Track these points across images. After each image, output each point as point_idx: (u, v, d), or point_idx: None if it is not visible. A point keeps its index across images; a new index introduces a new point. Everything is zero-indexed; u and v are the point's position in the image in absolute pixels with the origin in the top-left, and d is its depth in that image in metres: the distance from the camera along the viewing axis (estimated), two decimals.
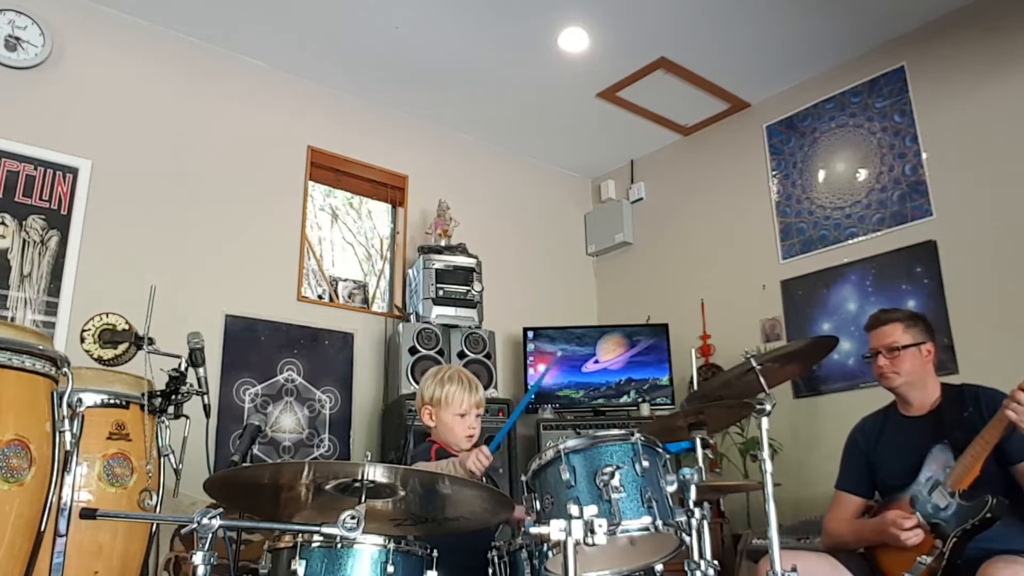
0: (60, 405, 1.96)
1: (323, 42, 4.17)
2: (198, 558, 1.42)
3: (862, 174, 4.20)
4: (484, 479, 2.24)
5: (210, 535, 1.42)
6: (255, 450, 3.76)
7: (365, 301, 4.63)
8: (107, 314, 2.46)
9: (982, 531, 2.13)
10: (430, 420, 2.36)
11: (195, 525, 1.41)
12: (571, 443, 1.76)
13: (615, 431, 1.80)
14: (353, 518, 1.43)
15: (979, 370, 3.44)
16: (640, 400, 4.49)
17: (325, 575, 1.63)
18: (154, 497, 2.24)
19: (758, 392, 2.22)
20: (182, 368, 2.37)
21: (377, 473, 1.58)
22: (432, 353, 4.11)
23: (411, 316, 4.33)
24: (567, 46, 4.22)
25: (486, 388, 4.11)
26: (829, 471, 2.63)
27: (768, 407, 2.14)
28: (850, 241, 4.18)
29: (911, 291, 3.88)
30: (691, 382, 4.44)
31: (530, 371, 4.62)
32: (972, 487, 2.17)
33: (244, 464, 1.95)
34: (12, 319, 3.31)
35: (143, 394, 2.30)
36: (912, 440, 2.38)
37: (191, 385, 2.35)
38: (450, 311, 4.26)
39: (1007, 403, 2.10)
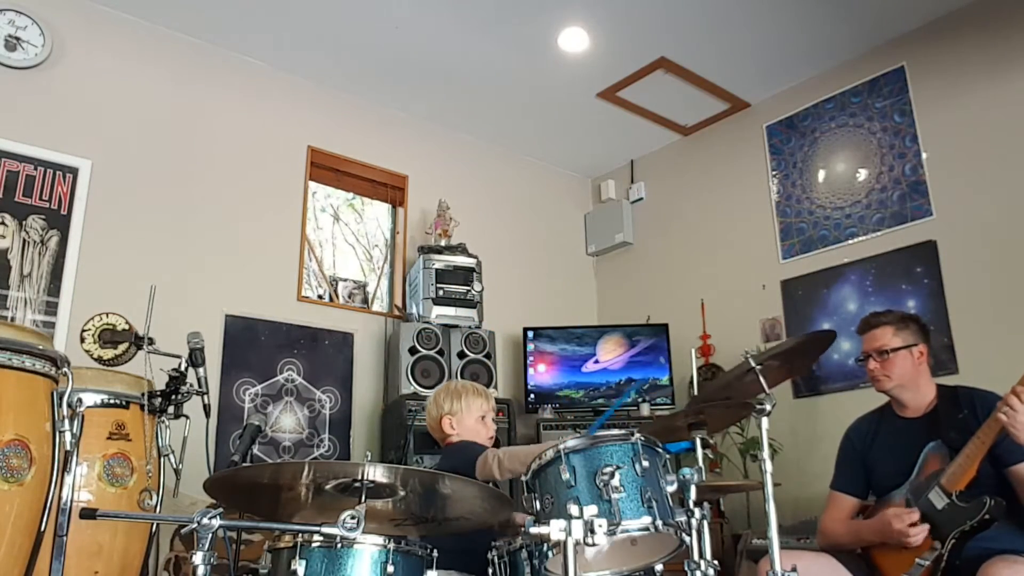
0: (60, 405, 1.95)
1: (323, 42, 4.17)
2: (198, 558, 1.42)
3: (862, 174, 4.21)
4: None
5: (210, 535, 1.42)
6: (255, 450, 3.76)
7: (365, 301, 4.63)
8: (107, 314, 2.45)
9: (980, 532, 2.13)
10: (451, 429, 2.49)
11: (195, 525, 1.41)
12: (571, 443, 1.76)
13: (615, 431, 1.80)
14: (353, 518, 1.43)
15: (979, 370, 3.44)
16: (640, 400, 4.49)
17: (325, 575, 1.63)
18: (154, 497, 2.24)
19: (758, 392, 2.23)
20: (182, 368, 2.37)
21: (377, 473, 1.58)
22: (432, 353, 4.11)
23: (411, 316, 4.33)
24: (567, 46, 4.22)
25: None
26: (829, 471, 2.63)
27: (768, 407, 2.14)
28: (850, 241, 4.18)
29: (911, 291, 3.88)
30: (691, 382, 4.44)
31: (530, 371, 4.62)
32: (969, 488, 2.17)
33: (244, 464, 1.95)
34: (12, 319, 3.31)
35: (143, 394, 2.30)
36: (908, 441, 2.38)
37: (191, 385, 2.35)
38: (450, 311, 4.26)
39: (1000, 405, 2.10)
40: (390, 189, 4.77)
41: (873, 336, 2.48)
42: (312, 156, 4.42)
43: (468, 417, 2.50)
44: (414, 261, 4.45)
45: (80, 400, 2.02)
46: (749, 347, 3.96)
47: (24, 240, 3.44)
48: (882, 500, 2.41)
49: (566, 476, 1.71)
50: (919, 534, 2.17)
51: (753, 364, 2.20)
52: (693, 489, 1.78)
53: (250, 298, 4.00)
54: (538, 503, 1.79)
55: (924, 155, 3.96)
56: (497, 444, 4.03)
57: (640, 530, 1.65)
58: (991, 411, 2.15)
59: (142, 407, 2.29)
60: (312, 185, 4.49)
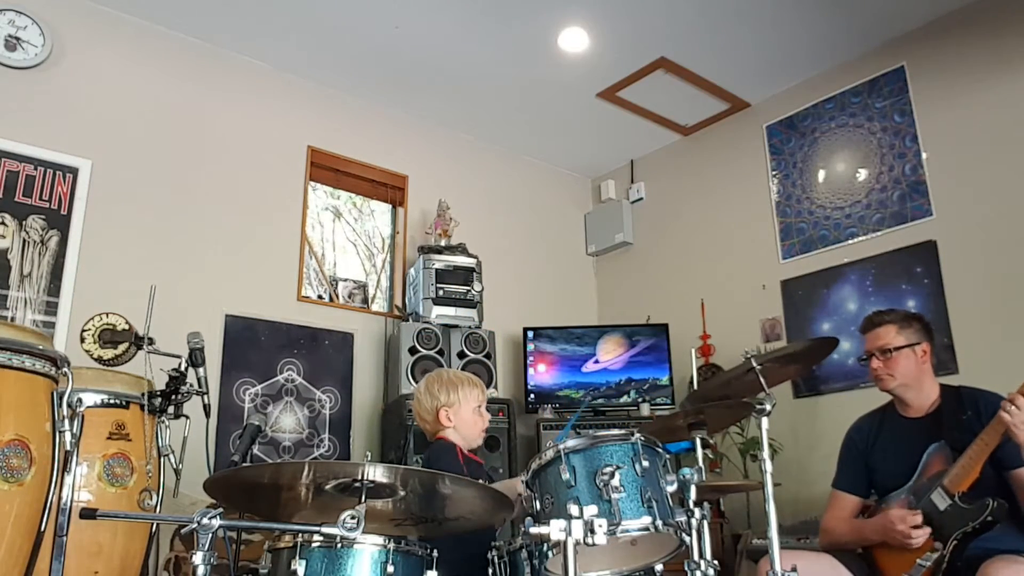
0: (60, 405, 1.95)
1: (323, 42, 4.17)
2: (198, 558, 1.42)
3: (862, 174, 4.21)
4: (488, 481, 2.25)
5: (210, 535, 1.42)
6: (255, 450, 3.76)
7: (365, 301, 4.63)
8: (107, 314, 2.46)
9: (982, 534, 2.12)
10: (448, 421, 2.43)
11: (195, 525, 1.41)
12: (571, 443, 1.76)
13: (615, 431, 1.80)
14: (353, 518, 1.43)
15: (979, 370, 3.44)
16: (640, 400, 4.49)
17: (325, 575, 1.63)
18: (154, 497, 2.24)
19: (758, 392, 2.22)
20: (182, 368, 2.37)
21: (377, 473, 1.58)
22: (432, 353, 4.11)
23: (411, 316, 4.33)
24: (567, 46, 4.22)
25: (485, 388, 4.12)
26: (829, 471, 2.63)
27: (768, 407, 2.14)
28: (850, 241, 4.18)
29: (911, 291, 3.88)
30: (691, 382, 4.44)
31: (530, 371, 4.62)
32: (971, 489, 2.16)
33: (244, 464, 1.94)
34: (12, 319, 3.31)
35: (143, 394, 2.30)
36: (911, 441, 2.38)
37: (191, 385, 2.35)
38: (450, 311, 4.26)
39: (1004, 405, 2.10)
40: (390, 189, 4.77)
41: (876, 335, 2.48)
42: (312, 156, 4.42)
43: (465, 408, 2.44)
44: (414, 261, 4.45)
45: (80, 400, 2.02)
46: (749, 347, 3.97)
47: (24, 240, 3.44)
48: (884, 500, 2.41)
49: (566, 476, 1.71)
50: (920, 537, 2.17)
51: (754, 364, 2.20)
52: (693, 489, 1.78)
53: (250, 298, 4.00)
54: (538, 503, 1.79)
55: (924, 155, 3.96)
56: (496, 442, 4.04)
57: (640, 530, 1.65)
58: (995, 412, 2.14)
59: (142, 407, 2.29)
60: (312, 185, 4.49)
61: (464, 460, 2.41)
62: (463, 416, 2.44)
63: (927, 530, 2.18)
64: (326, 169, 4.52)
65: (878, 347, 2.45)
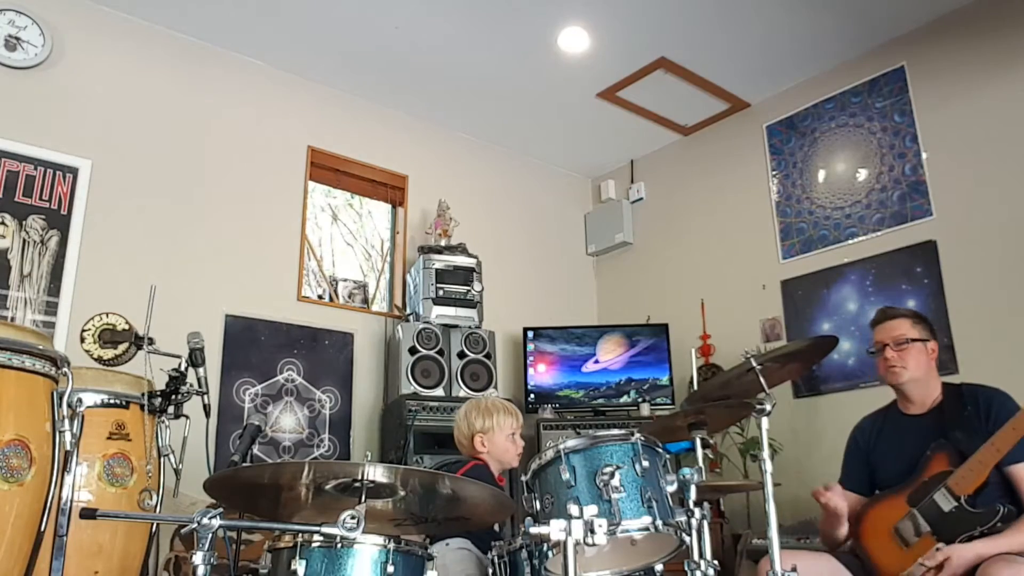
0: (60, 405, 1.95)
1: (323, 42, 4.17)
2: (198, 558, 1.42)
3: (862, 174, 4.20)
4: None
5: (210, 535, 1.42)
6: (255, 450, 3.76)
7: (365, 301, 4.63)
8: (107, 314, 2.46)
9: (986, 537, 2.12)
10: (482, 447, 2.61)
11: (195, 525, 1.41)
12: (571, 443, 1.77)
13: (615, 431, 1.80)
14: (353, 518, 1.43)
15: (979, 370, 3.44)
16: (640, 400, 4.49)
17: (325, 575, 1.63)
18: (154, 497, 2.24)
19: (758, 392, 2.23)
20: (182, 368, 2.37)
21: (377, 473, 1.59)
22: (432, 353, 4.11)
23: (411, 316, 4.32)
24: (567, 46, 4.22)
25: (485, 388, 4.13)
26: (829, 471, 2.63)
27: (768, 407, 2.14)
28: (850, 241, 4.18)
29: (911, 291, 3.87)
30: (691, 382, 4.44)
31: (530, 371, 4.62)
32: (976, 492, 2.16)
33: (244, 464, 1.95)
34: (12, 319, 3.31)
35: (143, 394, 2.30)
36: (912, 438, 2.38)
37: (191, 385, 2.35)
38: (450, 311, 4.26)
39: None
40: (390, 189, 4.77)
41: (891, 326, 2.48)
42: (312, 156, 4.42)
43: (499, 435, 2.60)
44: (414, 261, 4.45)
45: (80, 400, 2.02)
46: (749, 347, 3.97)
47: (24, 240, 3.44)
48: (878, 496, 2.41)
49: (566, 476, 1.72)
50: (833, 499, 2.36)
51: (754, 364, 2.20)
52: (693, 489, 1.78)
53: (250, 298, 4.00)
54: (538, 503, 1.79)
55: (924, 155, 3.96)
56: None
57: (640, 530, 1.65)
58: (995, 407, 2.14)
59: (142, 407, 2.29)
60: (312, 185, 4.49)
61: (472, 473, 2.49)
62: (496, 442, 2.60)
63: (836, 488, 2.33)
64: (326, 169, 4.52)
65: (893, 338, 2.45)
